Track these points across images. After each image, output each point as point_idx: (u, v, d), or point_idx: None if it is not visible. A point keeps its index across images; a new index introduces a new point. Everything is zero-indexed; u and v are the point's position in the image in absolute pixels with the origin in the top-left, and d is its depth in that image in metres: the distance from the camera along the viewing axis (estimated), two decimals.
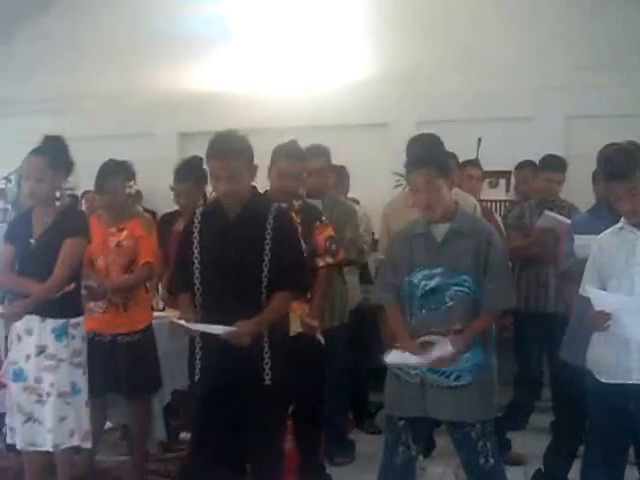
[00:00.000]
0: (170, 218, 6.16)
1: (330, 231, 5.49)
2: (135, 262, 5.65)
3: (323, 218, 5.52)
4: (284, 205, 5.02)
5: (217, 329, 4.09)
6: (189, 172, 6.04)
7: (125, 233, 5.65)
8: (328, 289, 5.58)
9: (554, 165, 6.50)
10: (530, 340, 6.41)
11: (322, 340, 5.40)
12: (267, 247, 4.20)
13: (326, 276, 5.49)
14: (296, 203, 5.42)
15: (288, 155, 5.38)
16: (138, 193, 6.46)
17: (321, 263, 5.41)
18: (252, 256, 4.20)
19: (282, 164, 5.34)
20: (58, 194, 5.06)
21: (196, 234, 4.34)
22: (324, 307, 5.69)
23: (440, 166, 4.28)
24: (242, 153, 4.23)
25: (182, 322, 4.25)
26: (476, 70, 8.91)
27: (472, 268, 4.16)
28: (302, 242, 4.72)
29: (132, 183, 5.78)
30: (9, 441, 5.08)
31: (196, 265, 4.29)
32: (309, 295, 5.11)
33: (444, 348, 4.05)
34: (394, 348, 4.24)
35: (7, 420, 5.05)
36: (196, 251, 4.30)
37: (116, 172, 5.66)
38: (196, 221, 4.39)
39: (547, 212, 6.22)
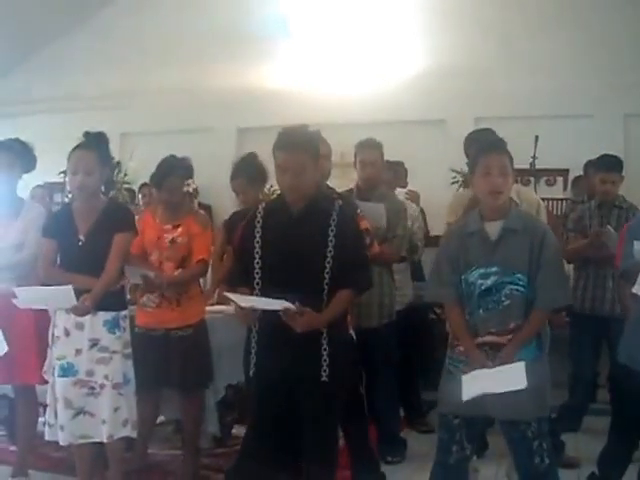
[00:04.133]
0: (240, 216, 6.18)
1: (365, 224, 5.37)
2: (188, 258, 5.70)
3: (358, 211, 5.43)
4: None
5: (275, 304, 4.07)
6: (242, 169, 6.09)
7: (180, 230, 5.70)
8: None
9: (607, 166, 6.39)
10: (585, 341, 6.35)
11: (354, 336, 5.19)
12: (330, 244, 4.19)
13: None
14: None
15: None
16: (195, 190, 6.49)
17: None
18: (315, 253, 4.20)
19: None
20: (103, 188, 5.15)
21: (258, 229, 4.32)
22: (372, 305, 5.77)
23: (510, 155, 4.30)
24: (310, 147, 4.23)
25: (236, 296, 4.21)
26: (534, 67, 8.98)
27: (526, 266, 4.13)
28: None
29: (190, 181, 5.84)
30: (48, 438, 5.10)
31: (257, 260, 4.27)
32: None
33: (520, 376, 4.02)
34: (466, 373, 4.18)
35: (47, 417, 5.09)
36: (257, 246, 4.28)
37: (175, 170, 5.72)
38: (258, 216, 4.37)
39: (609, 228, 6.13)
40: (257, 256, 4.27)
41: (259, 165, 6.07)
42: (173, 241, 5.68)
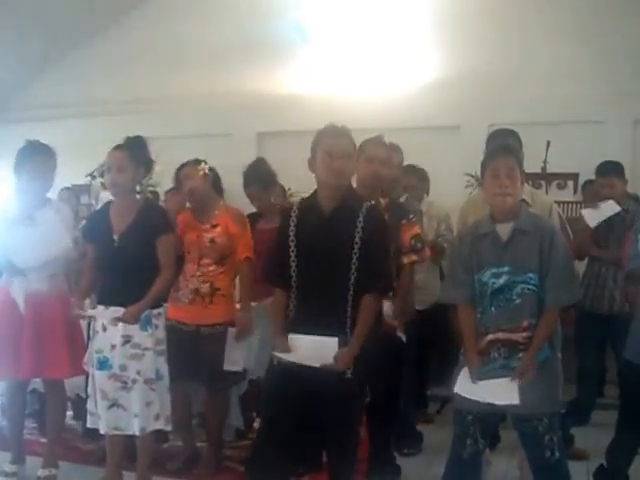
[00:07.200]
0: (254, 217, 6.33)
1: (416, 229, 5.51)
2: (229, 256, 5.80)
3: (410, 216, 5.54)
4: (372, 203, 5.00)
5: (314, 359, 4.23)
6: (254, 176, 6.25)
7: (219, 230, 5.80)
8: (411, 286, 5.62)
9: (603, 170, 6.45)
10: (589, 338, 6.39)
11: (403, 338, 5.43)
12: (356, 246, 4.25)
13: (409, 274, 5.53)
14: (383, 201, 5.47)
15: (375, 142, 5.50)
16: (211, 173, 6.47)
17: (405, 260, 5.43)
18: (342, 253, 4.26)
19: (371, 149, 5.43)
20: (138, 188, 5.32)
21: (292, 228, 4.39)
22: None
23: (519, 159, 4.42)
24: (352, 139, 4.40)
25: (283, 355, 4.35)
26: (547, 75, 8.96)
27: (537, 266, 4.22)
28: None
29: (202, 165, 5.91)
30: (89, 425, 5.31)
31: (292, 259, 4.35)
32: (391, 293, 5.10)
33: (513, 391, 4.18)
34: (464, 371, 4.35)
35: (88, 405, 5.27)
36: (292, 245, 4.36)
37: (186, 163, 5.99)
38: (293, 215, 4.44)
39: (582, 211, 6.30)
40: (293, 255, 4.36)
41: (269, 170, 6.22)
42: (212, 241, 5.78)
